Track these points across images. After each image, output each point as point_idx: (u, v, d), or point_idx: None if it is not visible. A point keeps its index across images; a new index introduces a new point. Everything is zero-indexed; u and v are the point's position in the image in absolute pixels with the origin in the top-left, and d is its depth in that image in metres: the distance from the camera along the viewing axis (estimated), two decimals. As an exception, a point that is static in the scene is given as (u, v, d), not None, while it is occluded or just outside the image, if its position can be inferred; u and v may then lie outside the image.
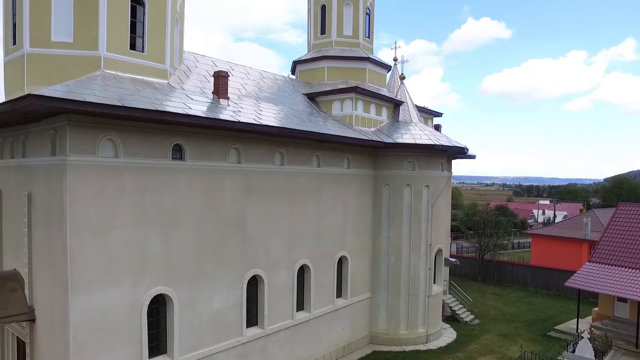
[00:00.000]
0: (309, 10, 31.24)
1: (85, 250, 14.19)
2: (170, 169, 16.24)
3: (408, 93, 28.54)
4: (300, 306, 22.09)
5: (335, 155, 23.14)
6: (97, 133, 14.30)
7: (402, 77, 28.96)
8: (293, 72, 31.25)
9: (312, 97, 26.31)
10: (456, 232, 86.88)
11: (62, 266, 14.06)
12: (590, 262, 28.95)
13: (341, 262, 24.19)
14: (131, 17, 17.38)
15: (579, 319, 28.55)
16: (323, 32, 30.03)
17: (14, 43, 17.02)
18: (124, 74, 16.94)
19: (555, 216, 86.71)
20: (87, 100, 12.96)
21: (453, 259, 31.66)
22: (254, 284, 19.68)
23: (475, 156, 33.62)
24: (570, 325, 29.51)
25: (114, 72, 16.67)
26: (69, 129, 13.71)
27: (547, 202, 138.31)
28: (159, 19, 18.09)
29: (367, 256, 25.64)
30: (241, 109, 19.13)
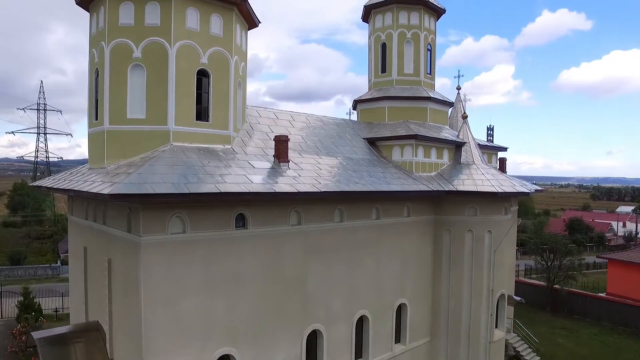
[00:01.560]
0: (369, 47, 31.47)
1: (158, 320, 15.40)
2: (234, 237, 17.19)
3: (470, 132, 28.10)
4: (358, 354, 22.52)
5: (395, 205, 23.33)
6: (167, 212, 15.45)
7: (465, 116, 28.53)
8: (354, 108, 31.60)
9: (372, 142, 26.57)
10: (524, 247, 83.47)
11: (137, 333, 15.35)
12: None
13: (400, 308, 24.36)
14: (197, 89, 18.53)
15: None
16: (384, 70, 30.15)
17: (96, 118, 18.65)
18: (190, 144, 18.11)
19: (637, 233, 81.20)
20: (157, 192, 14.09)
21: (518, 298, 30.90)
22: (313, 336, 20.33)
23: (529, 193, 32.30)
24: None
25: (181, 144, 17.86)
26: (142, 212, 14.93)
27: (629, 209, 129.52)
28: (222, 87, 19.12)
29: (426, 302, 25.62)
30: (301, 170, 19.80)
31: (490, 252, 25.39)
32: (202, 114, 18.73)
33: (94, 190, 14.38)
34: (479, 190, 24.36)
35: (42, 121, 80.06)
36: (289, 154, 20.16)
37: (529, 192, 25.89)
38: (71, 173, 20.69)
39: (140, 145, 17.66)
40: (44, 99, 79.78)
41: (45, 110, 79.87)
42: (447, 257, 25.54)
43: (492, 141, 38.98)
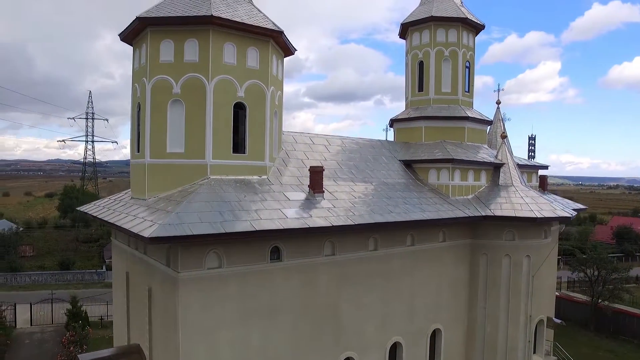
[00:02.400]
0: (406, 64, 31.29)
1: (196, 351, 15.93)
2: (269, 270, 17.54)
3: (509, 152, 27.55)
4: (392, 380, 22.54)
5: (430, 231, 23.18)
6: (204, 248, 15.93)
7: (504, 136, 28.01)
8: (391, 126, 31.48)
9: (408, 164, 26.45)
10: (567, 257, 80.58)
11: (175, 364, 15.92)
12: None
13: (434, 334, 24.21)
14: (233, 121, 18.97)
15: None
16: (421, 89, 29.92)
17: (138, 150, 19.39)
18: (227, 177, 18.58)
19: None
20: (194, 233, 14.58)
21: (558, 320, 30.08)
22: (346, 363, 20.50)
23: (569, 218, 30.62)
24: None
25: (218, 177, 18.36)
26: (181, 249, 15.46)
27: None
28: (259, 119, 19.51)
29: (462, 327, 25.34)
30: (336, 200, 19.97)
31: (528, 278, 24.87)
32: (238, 146, 19.17)
33: (135, 230, 14.99)
34: (517, 215, 23.90)
35: (90, 129, 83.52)
36: (324, 183, 20.36)
37: (570, 217, 25.17)
38: (115, 201, 21.55)
39: (179, 179, 18.27)
40: (92, 107, 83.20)
41: (93, 118, 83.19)
42: (483, 282, 25.18)
43: (534, 150, 38.01)
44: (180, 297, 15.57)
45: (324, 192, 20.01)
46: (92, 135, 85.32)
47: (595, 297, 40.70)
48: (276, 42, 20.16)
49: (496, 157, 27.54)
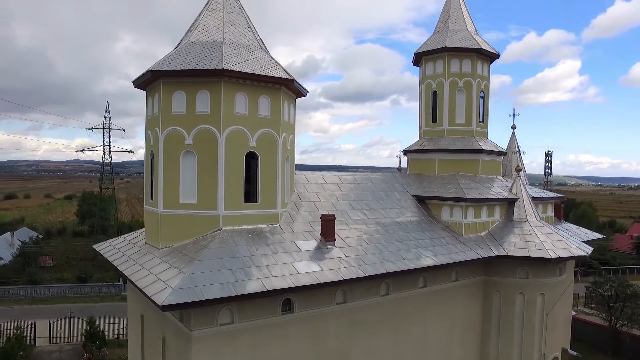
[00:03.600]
0: (420, 93, 31.13)
1: (207, 406, 16.08)
2: (281, 322, 17.63)
3: (524, 186, 27.26)
4: (404, 421, 22.48)
5: (443, 271, 23.04)
6: (217, 307, 16.05)
7: (518, 170, 27.68)
8: (405, 154, 31.31)
9: (421, 199, 26.33)
10: (587, 268, 79.20)
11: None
12: None
13: (447, 373, 24.10)
14: (245, 170, 19.08)
15: None
16: (434, 119, 29.73)
17: (152, 198, 19.63)
18: (240, 227, 18.71)
19: None
20: (206, 298, 14.74)
21: (574, 353, 29.74)
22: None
23: (586, 256, 30.01)
24: None
25: (230, 228, 18.51)
26: (193, 310, 15.61)
27: None
28: (271, 167, 19.60)
29: (475, 365, 25.19)
30: (348, 248, 19.98)
31: (542, 316, 24.63)
32: (250, 195, 19.28)
33: (149, 293, 15.18)
34: (531, 255, 23.68)
35: (107, 139, 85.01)
36: (335, 228, 20.37)
37: (586, 255, 24.83)
38: (129, 243, 21.82)
39: (192, 229, 18.47)
40: (109, 118, 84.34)
41: (110, 129, 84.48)
42: (496, 319, 24.99)
43: (551, 167, 37.21)
44: (193, 353, 15.74)
45: (335, 239, 20.01)
46: (110, 146, 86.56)
47: (613, 321, 40.01)
48: (288, 88, 20.22)
49: (510, 190, 27.27)
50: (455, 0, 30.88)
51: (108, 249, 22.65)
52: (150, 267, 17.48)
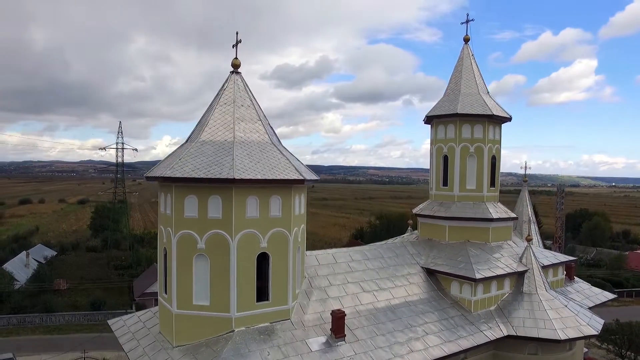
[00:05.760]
0: (431, 154, 31.13)
1: None
2: None
3: (534, 256, 27.19)
4: None
5: (452, 357, 23.13)
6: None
7: (529, 239, 27.62)
8: (416, 216, 31.26)
9: (430, 272, 26.42)
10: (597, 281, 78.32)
11: None
12: None
13: None
14: (257, 268, 19.31)
15: None
16: (445, 183, 29.74)
17: (166, 292, 19.98)
18: (252, 326, 19.01)
19: None
20: None
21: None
22: None
23: (597, 334, 29.79)
24: None
25: (243, 328, 18.83)
26: None
27: None
28: (282, 264, 19.83)
29: None
30: (357, 342, 20.20)
31: (552, 392, 24.64)
32: (262, 293, 19.53)
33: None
34: (540, 336, 23.71)
35: (120, 159, 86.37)
36: (345, 319, 20.54)
37: (597, 332, 24.79)
38: (143, 325, 22.15)
39: (205, 330, 18.84)
40: (122, 138, 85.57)
41: (123, 149, 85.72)
42: (506, 395, 25.05)
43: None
44: None
45: (345, 335, 20.21)
46: (122, 165, 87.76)
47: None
48: (298, 184, 20.34)
49: (520, 260, 27.24)
50: (467, 61, 30.80)
51: (123, 330, 22.95)
52: (164, 373, 17.83)
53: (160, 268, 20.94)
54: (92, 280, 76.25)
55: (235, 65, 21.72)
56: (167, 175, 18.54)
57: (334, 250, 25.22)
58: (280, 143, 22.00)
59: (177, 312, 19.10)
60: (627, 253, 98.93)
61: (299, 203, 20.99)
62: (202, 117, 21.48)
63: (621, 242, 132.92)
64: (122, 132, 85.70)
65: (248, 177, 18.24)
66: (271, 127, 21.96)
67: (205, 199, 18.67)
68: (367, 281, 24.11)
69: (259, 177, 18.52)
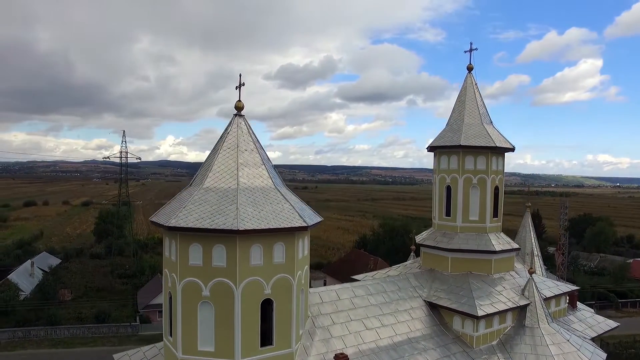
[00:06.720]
0: (434, 184, 31.25)
1: None
2: None
3: (536, 289, 27.32)
4: None
5: (454, 392, 23.36)
6: None
7: (531, 272, 27.75)
8: (419, 246, 31.35)
9: (432, 305, 26.58)
10: (602, 301, 78.08)
11: None
12: None
13: None
14: (261, 313, 19.50)
15: None
16: (448, 213, 29.86)
17: (171, 335, 20.20)
18: (257, 374, 19.20)
19: None
20: None
21: None
22: None
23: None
24: None
25: (247, 375, 18.99)
26: None
27: None
28: (286, 309, 19.99)
29: None
30: (360, 385, 20.39)
31: None
32: (266, 337, 19.71)
33: None
34: (542, 375, 23.84)
35: (124, 169, 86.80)
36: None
37: (600, 367, 24.94)
38: (148, 365, 22.40)
39: (210, 377, 18.98)
40: (126, 146, 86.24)
41: (127, 157, 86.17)
42: None
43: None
44: None
45: (349, 379, 20.38)
46: (127, 175, 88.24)
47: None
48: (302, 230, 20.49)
49: (523, 292, 27.37)
50: (471, 90, 30.88)
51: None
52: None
53: (165, 311, 21.14)
54: (96, 289, 76.68)
55: (239, 108, 21.89)
56: (172, 225, 18.73)
57: (337, 286, 25.39)
58: (284, 184, 22.17)
59: (182, 357, 19.31)
60: (630, 261, 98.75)
61: (302, 247, 21.16)
62: (206, 159, 21.67)
63: (625, 247, 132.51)
64: (126, 142, 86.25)
65: (252, 227, 18.41)
66: (274, 169, 22.11)
67: (209, 248, 18.85)
68: (370, 318, 24.26)
69: (263, 226, 18.69)
